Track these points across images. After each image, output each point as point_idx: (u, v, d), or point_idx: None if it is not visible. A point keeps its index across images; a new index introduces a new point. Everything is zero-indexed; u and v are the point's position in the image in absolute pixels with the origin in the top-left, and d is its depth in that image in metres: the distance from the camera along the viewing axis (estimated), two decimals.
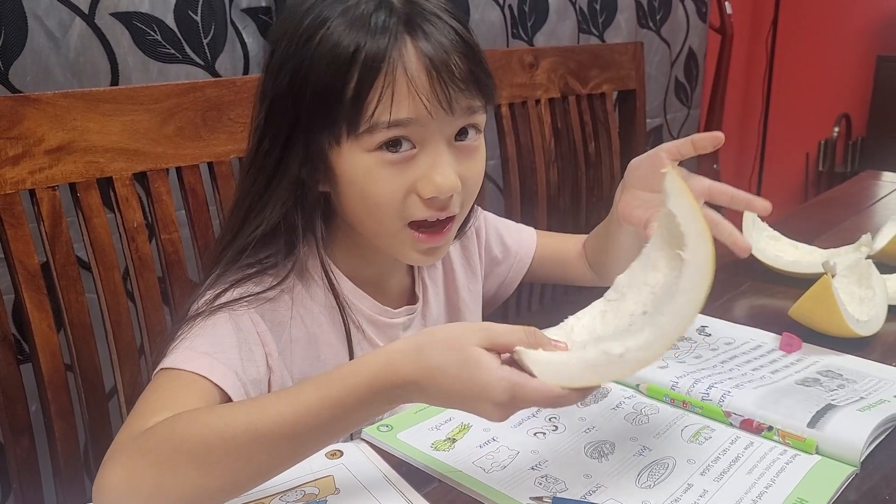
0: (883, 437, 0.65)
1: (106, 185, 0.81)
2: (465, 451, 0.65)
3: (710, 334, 0.86)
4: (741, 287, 1.01)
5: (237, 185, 0.73)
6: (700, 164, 2.43)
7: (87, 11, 1.07)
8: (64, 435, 0.79)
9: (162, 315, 0.86)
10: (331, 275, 0.72)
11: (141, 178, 0.84)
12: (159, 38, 1.15)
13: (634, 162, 0.78)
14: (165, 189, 0.85)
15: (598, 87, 1.44)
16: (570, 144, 1.41)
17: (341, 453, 0.65)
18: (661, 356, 0.50)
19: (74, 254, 0.79)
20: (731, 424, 0.67)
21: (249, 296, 0.68)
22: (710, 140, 0.72)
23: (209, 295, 0.67)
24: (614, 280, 0.58)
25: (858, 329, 0.81)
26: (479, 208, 0.91)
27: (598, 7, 1.90)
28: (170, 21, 1.15)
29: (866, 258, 0.93)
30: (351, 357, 0.73)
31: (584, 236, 0.94)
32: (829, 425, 0.63)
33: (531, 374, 0.52)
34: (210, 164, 0.89)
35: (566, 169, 1.40)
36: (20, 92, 1.03)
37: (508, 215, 1.24)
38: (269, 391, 0.68)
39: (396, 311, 0.78)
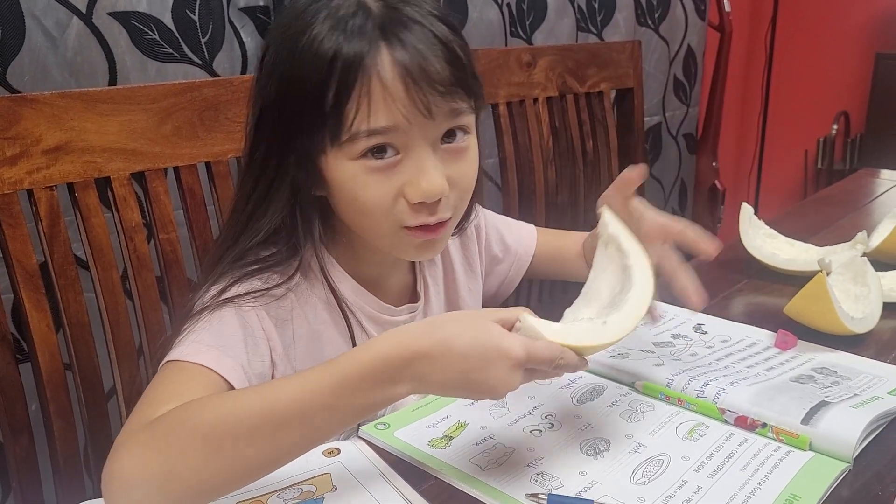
0: (876, 433, 0.65)
1: (104, 184, 0.82)
2: (461, 448, 0.65)
3: (706, 332, 0.86)
4: (737, 285, 1.01)
5: (235, 188, 0.73)
6: (700, 163, 2.43)
7: (84, 11, 1.07)
8: (63, 434, 0.80)
9: (160, 314, 0.86)
10: (328, 275, 0.73)
11: (139, 177, 0.84)
12: (157, 37, 1.15)
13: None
14: (163, 189, 0.85)
15: (596, 86, 1.44)
16: (568, 143, 1.41)
17: (338, 451, 0.66)
18: (634, 326, 0.61)
19: (73, 253, 0.80)
20: (725, 421, 0.68)
21: (255, 292, 0.68)
22: (633, 178, 0.71)
23: (215, 290, 0.68)
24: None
25: (853, 326, 0.81)
26: (479, 206, 0.91)
27: (596, 5, 1.90)
28: (167, 20, 1.15)
29: (862, 256, 0.93)
30: None
31: (584, 234, 0.94)
32: (823, 422, 0.64)
33: None
34: (208, 164, 0.89)
35: (564, 167, 1.41)
36: (18, 92, 1.03)
37: (506, 214, 1.24)
38: None
39: (398, 309, 0.78)
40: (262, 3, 1.27)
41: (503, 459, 0.63)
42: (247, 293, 0.68)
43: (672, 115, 2.26)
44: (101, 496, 0.54)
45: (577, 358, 0.57)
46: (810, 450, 0.63)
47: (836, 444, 0.62)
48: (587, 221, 1.45)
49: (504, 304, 0.98)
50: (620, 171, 1.53)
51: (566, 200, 1.42)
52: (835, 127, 2.63)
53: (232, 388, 0.62)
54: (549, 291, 1.34)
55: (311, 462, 0.63)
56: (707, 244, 0.67)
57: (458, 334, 0.54)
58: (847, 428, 0.63)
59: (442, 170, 0.66)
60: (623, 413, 0.70)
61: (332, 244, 0.75)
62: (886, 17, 2.56)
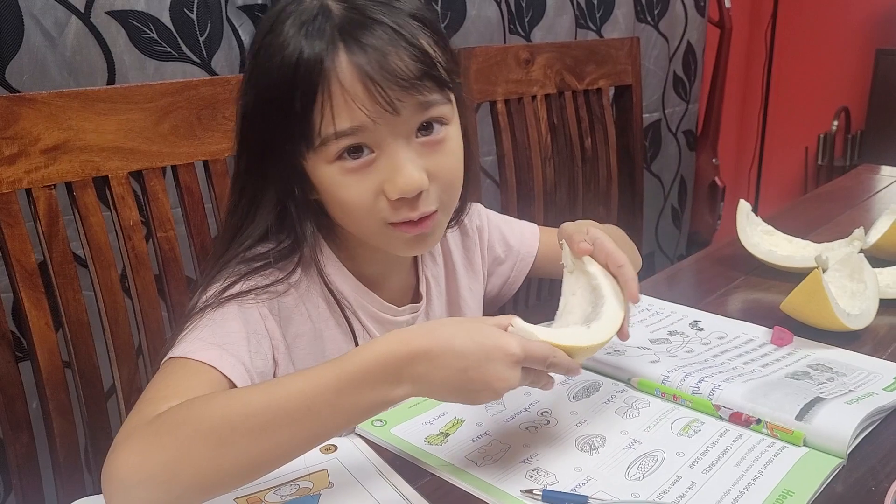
0: (871, 429, 0.66)
1: (102, 183, 0.82)
2: (457, 445, 0.66)
3: (702, 329, 0.86)
4: (735, 281, 1.02)
5: (230, 188, 0.74)
6: (700, 159, 2.43)
7: (82, 10, 1.08)
8: (63, 431, 0.80)
9: (159, 312, 0.87)
10: (324, 275, 0.73)
11: (137, 176, 0.84)
12: (155, 36, 1.15)
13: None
14: (161, 187, 0.86)
15: (595, 83, 1.44)
16: (567, 140, 1.41)
17: (335, 448, 0.66)
18: (614, 329, 0.65)
19: (71, 252, 0.80)
20: (720, 417, 0.68)
21: (258, 288, 0.69)
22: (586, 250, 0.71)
23: (217, 287, 0.68)
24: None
25: (849, 323, 0.82)
26: (482, 207, 0.91)
27: (595, 2, 1.90)
28: (165, 19, 1.16)
29: (859, 252, 0.93)
30: None
31: None
32: (817, 418, 0.64)
33: None
34: (205, 163, 0.89)
35: (562, 164, 1.41)
36: (17, 91, 1.03)
37: (505, 211, 1.24)
38: None
39: (401, 309, 0.79)
40: (259, 2, 1.27)
41: (499, 455, 0.64)
42: (249, 290, 0.68)
43: (672, 111, 2.26)
44: (101, 492, 0.54)
45: (569, 358, 0.59)
46: (804, 445, 0.64)
47: (831, 439, 0.62)
48: (585, 218, 1.44)
49: (505, 304, 0.98)
50: (619, 168, 1.54)
51: (565, 198, 1.42)
52: (835, 123, 2.63)
53: (233, 385, 0.62)
54: (548, 290, 1.34)
55: (308, 458, 0.63)
56: (632, 292, 0.67)
57: (456, 334, 0.55)
58: (841, 424, 0.63)
59: (420, 164, 0.66)
60: (618, 409, 0.71)
61: (335, 244, 0.75)
62: (886, 13, 2.56)
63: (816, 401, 0.67)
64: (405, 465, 0.63)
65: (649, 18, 2.08)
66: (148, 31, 1.14)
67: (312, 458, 0.64)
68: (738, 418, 0.67)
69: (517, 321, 0.58)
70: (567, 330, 0.64)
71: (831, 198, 1.44)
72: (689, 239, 2.49)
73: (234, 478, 0.54)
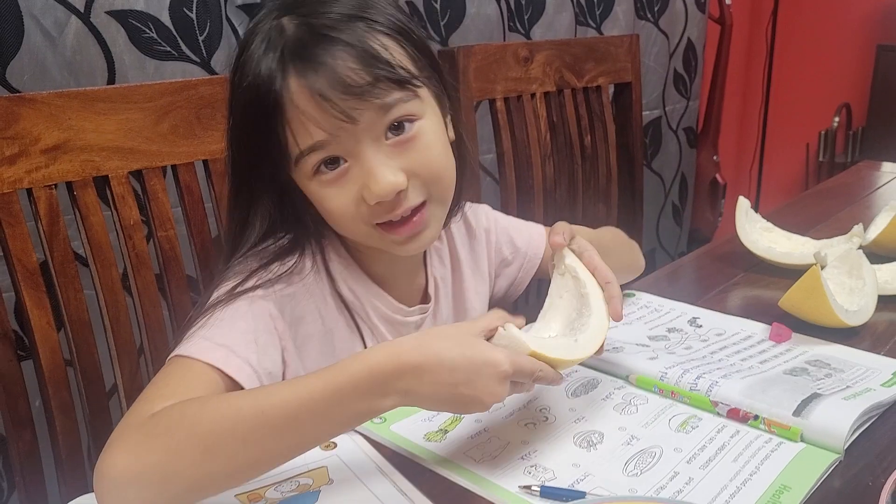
0: (868, 424, 0.66)
1: (102, 183, 0.82)
2: (456, 441, 0.66)
3: (701, 325, 0.87)
4: (734, 278, 1.02)
5: (228, 193, 0.75)
6: (700, 156, 2.43)
7: (82, 10, 1.08)
8: (65, 429, 0.80)
9: (160, 311, 0.87)
10: (333, 276, 0.74)
11: (137, 175, 0.85)
12: (155, 35, 1.15)
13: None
14: (161, 187, 0.86)
15: (594, 81, 1.44)
16: (567, 138, 1.41)
17: (335, 445, 0.66)
18: (600, 343, 0.66)
19: (72, 251, 0.80)
20: (718, 414, 0.68)
21: (266, 282, 0.69)
22: (559, 243, 0.71)
23: (228, 286, 0.69)
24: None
25: (847, 319, 0.82)
26: (489, 208, 0.92)
27: None
28: (165, 19, 1.16)
29: (858, 248, 0.94)
30: None
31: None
32: (814, 414, 0.64)
33: None
34: (205, 162, 0.90)
35: (562, 162, 1.41)
36: (17, 91, 1.04)
37: (505, 209, 1.24)
38: None
39: (410, 309, 0.79)
40: (259, 0, 1.28)
41: (497, 452, 0.64)
42: (256, 285, 0.69)
43: (672, 108, 2.26)
44: None
45: (554, 372, 0.61)
46: (802, 441, 0.64)
47: (828, 435, 0.63)
48: (586, 217, 1.45)
49: (514, 304, 0.99)
50: (619, 166, 1.54)
51: (565, 196, 1.42)
52: (836, 119, 2.63)
53: (240, 387, 0.63)
54: (547, 287, 1.35)
55: (308, 455, 0.63)
56: (615, 309, 0.68)
57: (447, 349, 0.56)
58: (838, 419, 0.63)
59: (394, 164, 0.67)
60: (616, 406, 0.71)
61: (347, 245, 0.76)
62: (887, 9, 2.56)
63: (814, 397, 0.67)
64: (404, 462, 0.64)
65: (649, 15, 2.08)
66: (147, 31, 1.14)
67: (312, 455, 0.64)
68: (735, 414, 0.67)
69: (510, 329, 0.59)
70: (555, 341, 0.65)
71: (831, 194, 1.44)
72: (691, 236, 2.49)
73: (224, 481, 0.55)
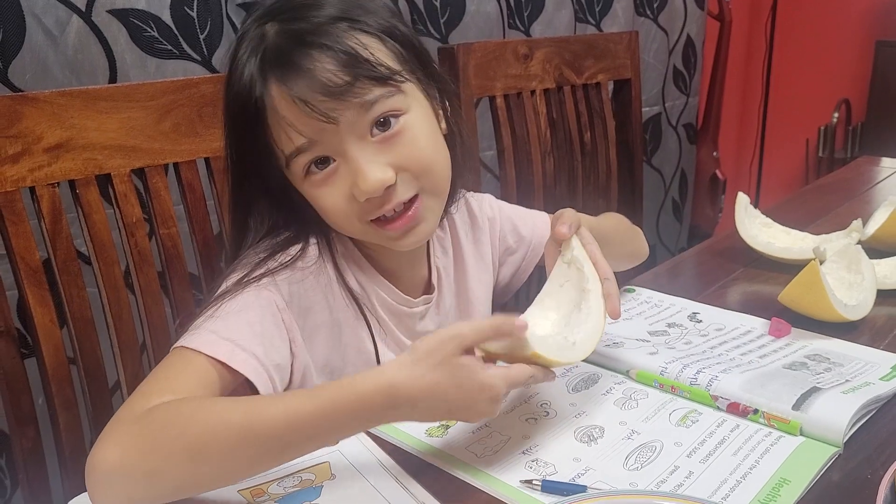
0: (867, 418, 0.66)
1: (104, 181, 0.83)
2: (458, 436, 0.66)
3: (700, 321, 0.87)
4: (733, 273, 1.02)
5: (228, 193, 0.76)
6: (700, 153, 2.43)
7: (84, 9, 1.08)
8: (69, 426, 0.81)
9: (162, 308, 0.87)
10: (339, 268, 0.74)
11: (139, 174, 0.85)
12: (156, 34, 1.16)
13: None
14: (163, 185, 0.86)
15: (594, 77, 1.44)
16: (566, 135, 1.41)
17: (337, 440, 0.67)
18: (596, 344, 0.66)
19: (75, 249, 0.81)
20: (718, 408, 0.69)
21: (270, 271, 0.70)
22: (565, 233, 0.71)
23: (236, 277, 0.70)
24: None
25: (847, 313, 0.82)
26: (493, 198, 0.92)
27: None
28: (166, 17, 1.16)
29: (857, 243, 0.94)
30: (374, 343, 0.75)
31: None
32: (814, 407, 0.65)
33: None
34: (207, 160, 0.90)
35: (562, 159, 1.41)
36: (20, 90, 1.04)
37: None
38: (290, 377, 0.70)
39: (415, 300, 0.80)
40: None
41: (499, 447, 0.65)
42: (262, 274, 0.69)
43: (672, 105, 2.26)
44: None
45: (546, 374, 0.62)
46: (801, 435, 0.64)
47: (827, 429, 0.63)
48: (585, 212, 1.45)
49: (517, 293, 0.99)
50: (619, 162, 1.54)
51: (565, 192, 1.42)
52: (836, 115, 2.63)
53: (247, 380, 0.63)
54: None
55: None
56: (613, 307, 0.68)
57: (440, 379, 0.56)
58: (837, 413, 0.64)
59: (382, 161, 0.67)
60: (617, 401, 0.71)
61: (354, 238, 0.77)
62: (886, 5, 2.56)
63: (813, 391, 0.67)
64: (406, 457, 0.64)
65: (649, 12, 2.08)
66: (149, 30, 1.15)
67: (315, 451, 0.65)
68: (735, 408, 0.68)
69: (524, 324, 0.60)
70: (554, 341, 0.65)
71: (830, 189, 1.45)
72: (691, 232, 2.50)
73: (210, 484, 0.57)
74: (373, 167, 0.66)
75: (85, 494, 0.61)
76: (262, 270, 0.70)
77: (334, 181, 0.68)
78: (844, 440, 0.63)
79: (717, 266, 1.05)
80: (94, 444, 0.56)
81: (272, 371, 0.66)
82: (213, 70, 1.23)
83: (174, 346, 0.64)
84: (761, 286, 0.98)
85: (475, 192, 0.91)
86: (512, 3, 1.70)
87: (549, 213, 1.35)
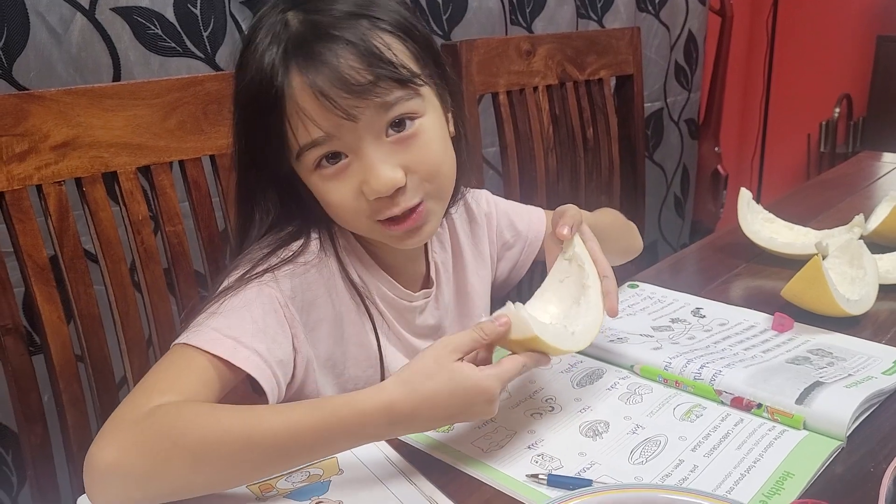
0: (870, 412, 0.67)
1: (111, 179, 0.83)
2: (464, 432, 0.67)
3: (704, 316, 0.88)
4: (736, 269, 1.03)
5: (235, 186, 0.76)
6: (702, 148, 2.43)
7: (87, 7, 1.09)
8: (76, 423, 0.81)
9: (168, 305, 0.88)
10: (343, 261, 0.75)
11: (145, 171, 0.86)
12: (160, 32, 1.16)
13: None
14: (169, 182, 0.87)
15: (596, 73, 1.44)
16: (569, 131, 1.41)
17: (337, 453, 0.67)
18: (594, 338, 0.68)
19: (82, 247, 0.81)
20: (721, 402, 0.69)
21: (272, 266, 0.70)
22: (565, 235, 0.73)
23: (238, 274, 0.70)
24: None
25: (849, 308, 0.83)
26: (489, 193, 0.93)
27: None
28: (170, 15, 1.17)
29: (859, 238, 0.94)
30: (376, 337, 0.76)
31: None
32: (817, 401, 0.65)
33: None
34: (212, 157, 0.90)
35: (565, 155, 1.41)
36: (24, 88, 1.04)
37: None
38: (293, 372, 0.70)
39: (415, 294, 0.80)
40: None
41: (504, 441, 0.65)
42: (264, 270, 0.70)
43: (674, 100, 2.27)
44: None
45: (536, 358, 0.63)
46: (804, 429, 0.65)
47: (830, 422, 0.64)
48: (588, 208, 1.45)
49: (517, 288, 0.99)
50: (621, 158, 1.54)
51: (567, 188, 1.42)
52: (837, 110, 2.63)
53: (250, 377, 0.64)
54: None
55: None
56: (611, 304, 0.70)
57: (436, 389, 0.58)
58: (840, 407, 0.64)
59: (394, 161, 0.67)
60: (622, 396, 0.72)
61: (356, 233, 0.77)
62: (887, 0, 2.55)
63: (816, 385, 0.68)
64: (413, 452, 0.65)
65: (650, 7, 2.08)
66: (152, 27, 1.15)
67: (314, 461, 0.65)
68: (739, 403, 0.68)
69: (519, 309, 0.62)
70: (554, 329, 0.66)
71: (832, 185, 1.45)
72: (693, 227, 2.50)
73: (208, 490, 0.58)
74: (385, 167, 0.67)
75: None
76: (263, 267, 0.70)
77: (345, 177, 0.68)
78: (847, 434, 0.63)
79: (720, 261, 1.06)
80: (94, 441, 0.56)
81: (275, 367, 0.66)
82: (216, 67, 1.23)
83: (175, 342, 0.65)
84: (764, 281, 0.98)
85: (474, 188, 0.92)
86: (514, 0, 1.70)
87: (551, 209, 1.37)
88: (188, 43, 1.19)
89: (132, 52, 1.13)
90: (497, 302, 0.93)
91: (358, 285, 0.76)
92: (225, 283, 0.69)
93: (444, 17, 1.57)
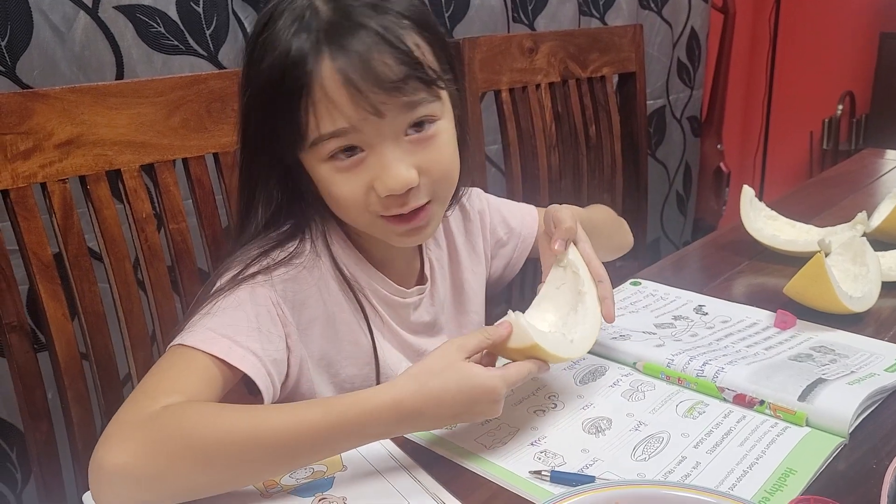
0: (872, 409, 0.67)
1: (115, 177, 0.83)
2: (467, 428, 0.67)
3: (706, 313, 0.88)
4: (739, 266, 1.03)
5: (237, 181, 0.75)
6: (704, 145, 2.43)
7: (90, 5, 1.09)
8: (81, 420, 0.82)
9: (172, 303, 0.88)
10: (336, 259, 0.75)
11: (148, 169, 0.86)
12: (162, 30, 1.16)
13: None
14: (172, 180, 0.87)
15: (598, 71, 1.45)
16: (571, 128, 1.42)
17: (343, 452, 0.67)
18: (592, 344, 0.69)
19: (86, 245, 0.82)
20: (724, 399, 0.70)
21: (266, 269, 0.70)
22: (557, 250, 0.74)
23: (230, 274, 0.70)
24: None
25: (852, 305, 0.83)
26: (481, 191, 0.93)
27: None
28: (172, 13, 1.17)
29: (862, 236, 0.94)
30: (371, 336, 0.76)
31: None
32: (819, 398, 0.65)
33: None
34: (215, 155, 0.91)
35: (567, 152, 1.42)
36: (28, 86, 1.05)
37: (511, 199, 1.25)
38: (287, 372, 0.70)
39: (409, 291, 0.80)
40: None
41: (507, 438, 0.65)
42: (258, 271, 0.70)
43: (676, 98, 2.26)
44: None
45: (539, 366, 0.64)
46: (807, 426, 0.65)
47: (832, 419, 0.64)
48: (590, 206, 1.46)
49: (510, 285, 1.00)
50: (624, 156, 1.54)
51: (570, 185, 1.43)
52: (840, 107, 2.62)
53: (244, 376, 0.64)
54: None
55: None
56: (607, 310, 0.71)
57: (444, 387, 0.59)
58: (843, 404, 0.64)
59: (409, 161, 0.67)
60: (624, 393, 0.72)
61: (346, 227, 0.77)
62: None
63: (819, 382, 0.68)
64: (417, 449, 0.65)
65: (653, 5, 2.08)
66: (155, 26, 1.15)
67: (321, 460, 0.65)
68: (741, 400, 0.68)
69: (518, 318, 0.63)
70: (554, 336, 0.68)
71: (835, 182, 1.45)
72: (695, 225, 2.50)
73: (216, 490, 0.58)
74: (401, 166, 0.67)
75: None
76: (256, 268, 0.70)
77: (358, 171, 0.68)
78: (850, 430, 0.63)
79: (723, 259, 1.06)
80: (99, 443, 0.56)
81: (269, 366, 0.66)
82: (219, 65, 1.23)
83: (171, 343, 0.65)
84: (766, 278, 0.99)
85: (471, 186, 0.92)
86: None
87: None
88: (191, 41, 1.19)
89: (135, 51, 1.14)
90: (491, 300, 0.94)
91: (351, 281, 0.76)
92: (218, 284, 0.69)
93: (447, 15, 1.57)
